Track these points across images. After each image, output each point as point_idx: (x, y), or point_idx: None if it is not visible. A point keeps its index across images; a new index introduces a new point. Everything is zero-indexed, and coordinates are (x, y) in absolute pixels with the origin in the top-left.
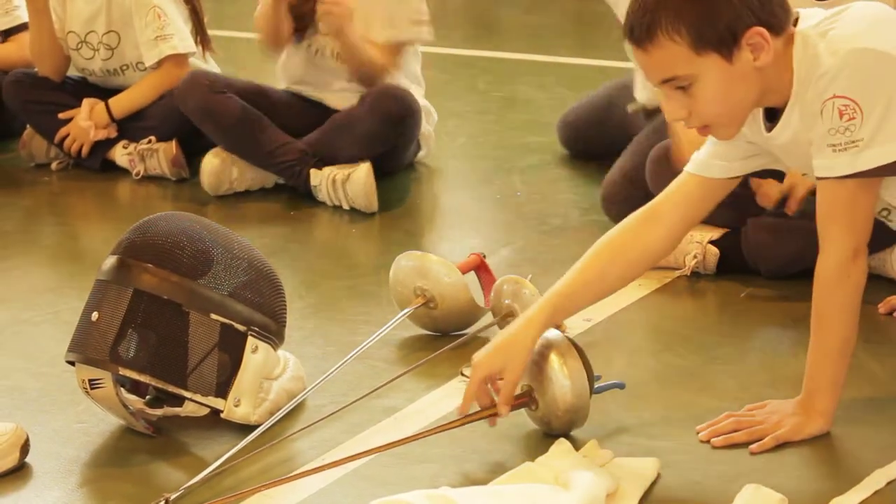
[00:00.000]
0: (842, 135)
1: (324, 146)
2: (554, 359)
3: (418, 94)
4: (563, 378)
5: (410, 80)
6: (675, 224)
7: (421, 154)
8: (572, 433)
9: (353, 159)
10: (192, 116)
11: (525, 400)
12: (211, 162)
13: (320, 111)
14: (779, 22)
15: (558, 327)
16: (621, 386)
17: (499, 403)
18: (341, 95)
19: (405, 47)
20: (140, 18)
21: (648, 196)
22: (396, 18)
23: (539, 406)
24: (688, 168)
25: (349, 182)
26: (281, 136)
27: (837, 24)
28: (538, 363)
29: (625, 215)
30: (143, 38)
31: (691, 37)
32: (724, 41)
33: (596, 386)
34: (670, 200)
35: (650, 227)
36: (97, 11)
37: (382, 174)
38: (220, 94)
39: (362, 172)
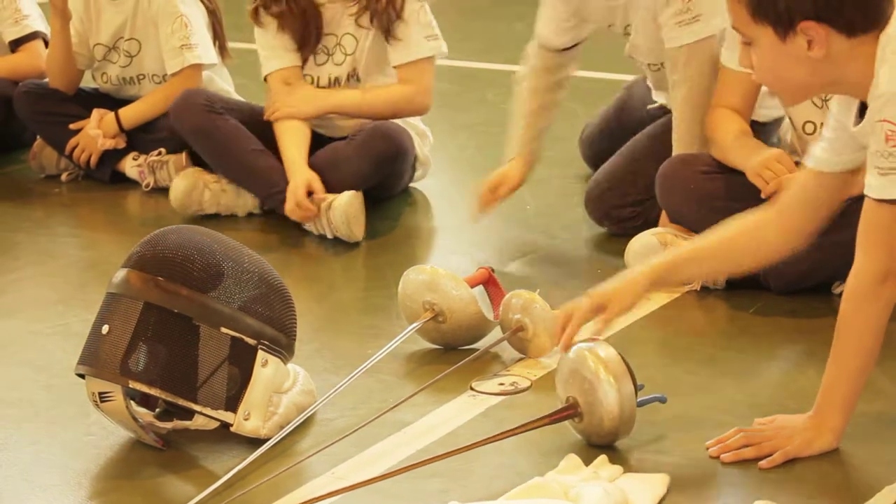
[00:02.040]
0: (885, 159)
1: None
2: (605, 379)
3: (414, 118)
4: (613, 401)
5: None
6: (800, 224)
7: (418, 174)
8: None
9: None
10: (188, 136)
11: (570, 413)
12: (181, 183)
13: (313, 136)
14: (848, 23)
15: (594, 339)
16: (663, 400)
17: (598, 320)
18: (340, 126)
19: (427, 64)
20: (167, 26)
21: (624, 199)
22: (412, 39)
23: (583, 421)
24: (808, 164)
25: (331, 210)
26: (271, 162)
27: None
28: (589, 380)
29: (605, 216)
30: (167, 45)
31: (750, 4)
32: (780, 21)
33: (637, 399)
34: (794, 200)
35: (781, 223)
36: (125, 20)
37: (375, 201)
38: (216, 113)
39: (344, 199)
